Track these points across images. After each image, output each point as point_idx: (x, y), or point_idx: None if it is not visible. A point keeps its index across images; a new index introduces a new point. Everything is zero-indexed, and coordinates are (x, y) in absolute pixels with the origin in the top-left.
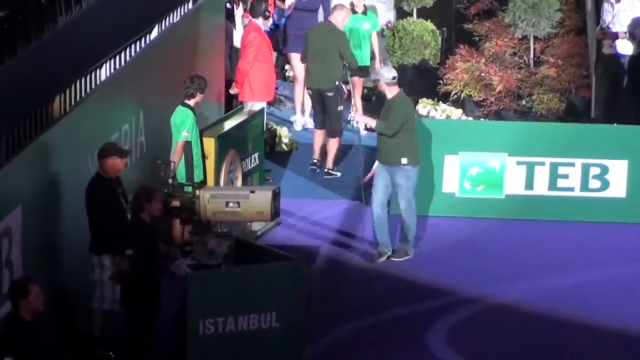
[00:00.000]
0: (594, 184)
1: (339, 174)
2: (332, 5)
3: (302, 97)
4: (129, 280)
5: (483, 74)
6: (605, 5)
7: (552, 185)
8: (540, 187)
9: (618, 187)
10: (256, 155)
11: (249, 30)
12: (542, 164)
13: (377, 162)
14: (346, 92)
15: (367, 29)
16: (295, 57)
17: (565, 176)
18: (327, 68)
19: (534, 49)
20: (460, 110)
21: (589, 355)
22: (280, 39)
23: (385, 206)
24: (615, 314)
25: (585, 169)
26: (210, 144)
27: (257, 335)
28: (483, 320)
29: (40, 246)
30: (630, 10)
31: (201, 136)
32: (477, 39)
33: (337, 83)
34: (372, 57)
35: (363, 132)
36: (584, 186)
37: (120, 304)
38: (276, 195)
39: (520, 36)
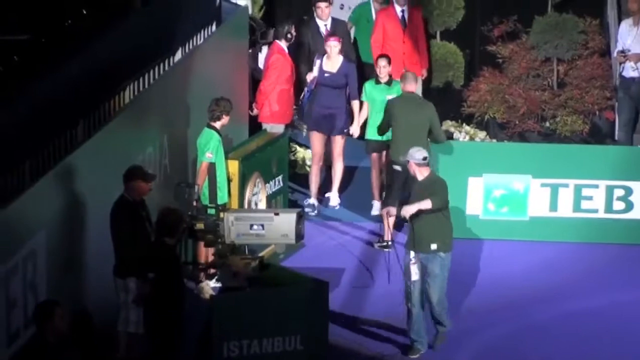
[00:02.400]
0: (618, 205)
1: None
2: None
3: (320, 180)
4: (152, 303)
5: (507, 96)
6: (624, 27)
7: (576, 207)
8: (565, 209)
9: None
10: (280, 177)
11: (272, 52)
12: (566, 185)
13: (412, 253)
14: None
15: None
16: (316, 136)
17: (590, 198)
18: (418, 144)
19: (558, 70)
20: (484, 132)
21: None
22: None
23: (424, 302)
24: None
25: (610, 190)
26: (234, 166)
27: (282, 358)
28: (510, 344)
29: (64, 269)
30: None
31: (225, 158)
32: (500, 60)
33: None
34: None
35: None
36: (608, 208)
37: (144, 327)
38: (300, 218)
39: (543, 58)
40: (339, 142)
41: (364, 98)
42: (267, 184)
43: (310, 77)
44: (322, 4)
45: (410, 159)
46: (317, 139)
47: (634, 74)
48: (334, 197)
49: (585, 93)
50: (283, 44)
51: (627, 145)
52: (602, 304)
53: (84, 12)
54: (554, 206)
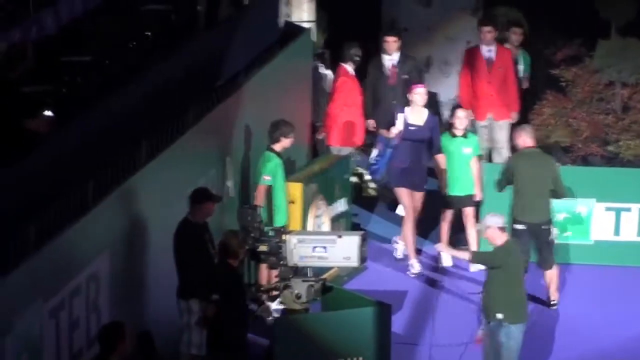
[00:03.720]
0: None
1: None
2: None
3: (414, 237)
4: (215, 325)
5: (570, 120)
6: None
7: None
8: (629, 233)
9: None
10: (343, 200)
11: (338, 74)
12: (630, 210)
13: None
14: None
15: (467, 154)
16: (404, 192)
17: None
18: (543, 201)
19: (622, 94)
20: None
21: None
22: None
23: None
24: None
25: None
26: (296, 188)
27: None
28: None
29: (127, 290)
30: None
31: (288, 180)
32: (564, 84)
33: (552, 217)
34: None
35: None
36: None
37: (207, 349)
38: (364, 240)
39: (607, 82)
40: (420, 199)
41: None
42: (330, 206)
43: (394, 131)
44: (390, 38)
45: (489, 223)
46: (405, 195)
47: None
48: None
49: None
50: (349, 67)
51: None
52: None
53: (148, 34)
54: (617, 230)
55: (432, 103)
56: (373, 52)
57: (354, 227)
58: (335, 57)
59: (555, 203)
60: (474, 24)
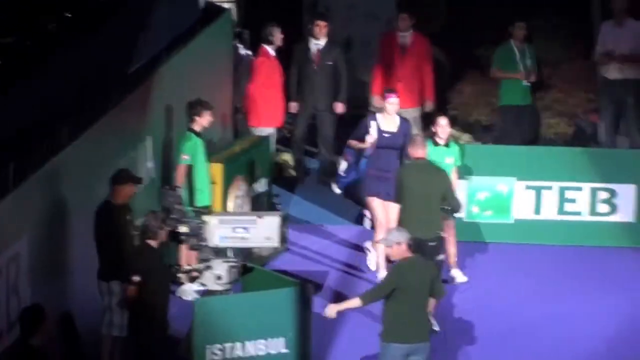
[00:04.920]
0: (603, 208)
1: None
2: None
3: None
4: (136, 306)
5: (492, 99)
6: (606, 28)
7: (560, 210)
8: (549, 212)
9: (626, 211)
10: (264, 180)
11: (258, 55)
12: (550, 188)
13: None
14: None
15: (449, 164)
16: (377, 203)
17: (573, 200)
18: (432, 215)
19: (542, 73)
20: (468, 135)
21: None
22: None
23: None
24: (627, 338)
25: (594, 193)
26: (217, 169)
27: None
28: (492, 343)
29: (48, 272)
30: (633, 32)
31: (209, 161)
32: (486, 63)
33: (441, 232)
34: None
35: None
36: (592, 210)
37: (128, 330)
38: (284, 221)
39: None
40: (394, 209)
41: None
42: (251, 187)
43: (370, 140)
44: (321, 23)
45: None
46: (378, 205)
47: (618, 76)
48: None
49: (569, 96)
50: (269, 47)
51: (611, 148)
52: (587, 306)
53: (68, 15)
54: (538, 209)
55: (357, 85)
56: (295, 33)
57: (275, 208)
58: (256, 38)
59: (475, 181)
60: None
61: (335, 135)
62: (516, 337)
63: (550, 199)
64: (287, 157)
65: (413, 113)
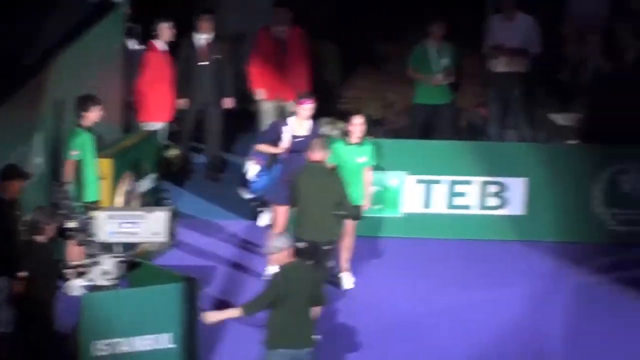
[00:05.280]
0: (493, 201)
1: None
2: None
3: None
4: (23, 302)
5: (385, 93)
6: (495, 22)
7: (450, 204)
8: (439, 206)
9: (517, 205)
10: (152, 175)
11: (147, 50)
12: (440, 182)
13: None
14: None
15: (361, 163)
16: (283, 210)
17: (463, 194)
18: (326, 219)
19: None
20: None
21: None
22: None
23: None
24: (513, 331)
25: (483, 187)
26: (106, 164)
27: (153, 356)
28: (383, 340)
29: None
30: (523, 27)
31: (97, 157)
32: (378, 57)
33: (336, 237)
34: None
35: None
36: (482, 204)
37: (14, 326)
38: (172, 216)
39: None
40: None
41: (331, 160)
42: (140, 182)
43: (283, 145)
44: (205, 17)
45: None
46: (283, 213)
47: (504, 69)
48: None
49: (461, 89)
50: (159, 42)
51: (500, 141)
52: (475, 300)
53: None
54: (428, 202)
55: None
56: (186, 28)
57: (163, 203)
58: (147, 33)
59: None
60: None
61: (223, 130)
62: (408, 332)
63: (440, 192)
64: (176, 153)
65: (290, 108)
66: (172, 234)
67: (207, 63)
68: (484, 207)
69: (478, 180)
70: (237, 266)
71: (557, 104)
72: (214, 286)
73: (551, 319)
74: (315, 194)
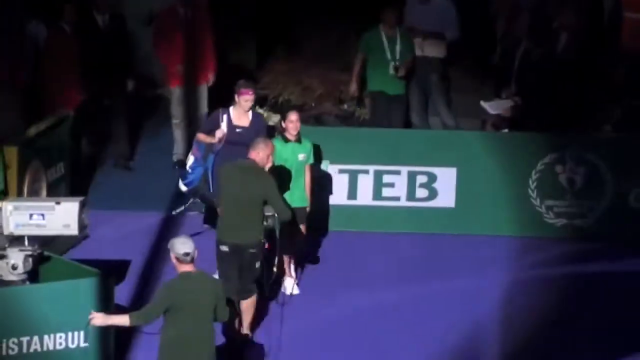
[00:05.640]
0: (422, 193)
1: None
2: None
3: None
4: None
5: (303, 78)
6: (411, 5)
7: (377, 195)
8: (364, 197)
9: (447, 196)
10: (62, 164)
11: (51, 32)
12: (366, 172)
13: None
14: (267, 245)
15: (301, 161)
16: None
17: (391, 185)
18: (251, 220)
19: (356, 49)
20: (278, 116)
21: None
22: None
23: None
24: (440, 326)
25: (412, 177)
26: (12, 153)
27: (64, 356)
28: (309, 331)
29: None
30: (439, 9)
31: (2, 145)
32: (296, 40)
33: (261, 239)
34: None
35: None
36: (411, 195)
37: None
38: (84, 207)
39: (341, 36)
40: None
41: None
42: (48, 171)
43: (219, 134)
44: None
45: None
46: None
47: (419, 53)
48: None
49: None
50: (64, 25)
51: (424, 129)
52: (407, 295)
53: None
54: (353, 194)
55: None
56: (89, 9)
57: (74, 193)
58: (52, 15)
59: None
60: None
61: (130, 116)
62: (341, 330)
63: (366, 183)
64: (85, 140)
65: (201, 90)
66: (84, 226)
67: (109, 43)
68: (412, 199)
69: (406, 170)
70: (154, 260)
71: (489, 90)
72: (130, 282)
73: (480, 318)
74: (237, 193)
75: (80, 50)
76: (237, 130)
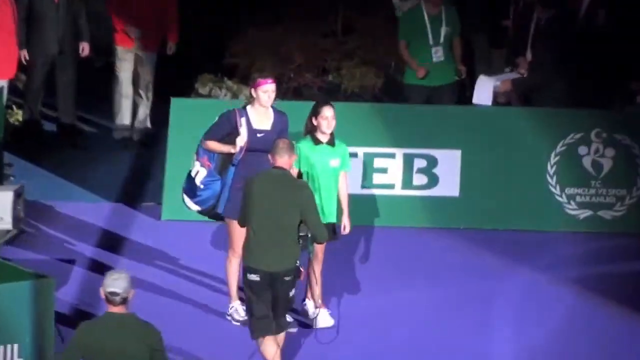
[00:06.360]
0: (420, 179)
1: None
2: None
3: (239, 278)
4: None
5: (280, 46)
6: None
7: (367, 182)
8: (352, 185)
9: (449, 184)
10: None
11: None
12: (354, 155)
13: None
14: (303, 272)
15: (334, 168)
16: (237, 227)
17: (384, 170)
18: (285, 242)
19: (344, 14)
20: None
21: None
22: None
23: None
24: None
25: (409, 161)
26: None
27: None
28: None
29: None
30: None
31: None
32: (273, 3)
33: (297, 263)
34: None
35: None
36: (407, 183)
37: None
38: (19, 197)
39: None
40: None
41: (296, 165)
42: None
43: (240, 143)
44: None
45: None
46: (240, 230)
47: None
48: (323, 315)
49: (378, 42)
50: None
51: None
52: (397, 301)
53: None
54: None
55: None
56: None
57: (7, 181)
58: None
59: None
60: None
61: (79, 85)
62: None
63: (354, 168)
64: (22, 117)
65: (149, 58)
66: (18, 219)
67: (55, 2)
68: (408, 187)
69: (402, 152)
70: (101, 258)
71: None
72: (73, 285)
73: (492, 325)
74: (271, 210)
75: (14, 12)
76: (258, 135)
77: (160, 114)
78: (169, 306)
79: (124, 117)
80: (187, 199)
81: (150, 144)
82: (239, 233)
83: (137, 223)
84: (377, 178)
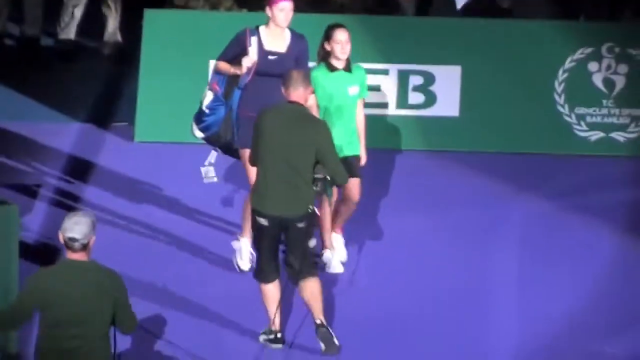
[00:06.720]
0: (416, 98)
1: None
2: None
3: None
4: None
5: None
6: None
7: None
8: None
9: (448, 103)
10: None
11: None
12: None
13: None
14: (319, 217)
15: (352, 96)
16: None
17: (376, 88)
18: (297, 185)
19: None
20: (230, 1)
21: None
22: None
23: None
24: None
25: (404, 78)
26: None
27: None
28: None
29: None
30: None
31: None
32: None
33: (310, 208)
34: None
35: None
36: (402, 102)
37: None
38: None
39: None
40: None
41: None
42: None
43: (247, 63)
44: None
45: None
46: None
47: None
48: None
49: None
50: None
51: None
52: (397, 230)
53: None
54: None
55: None
56: None
57: None
58: None
59: None
60: None
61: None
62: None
63: None
64: None
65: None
66: None
67: None
68: (404, 106)
69: (396, 68)
70: (68, 187)
71: None
72: (38, 215)
73: (494, 259)
74: (283, 148)
75: None
76: (270, 57)
77: (132, 27)
78: (143, 239)
79: (70, 31)
80: (194, 126)
81: (122, 59)
82: (250, 165)
83: (107, 145)
84: (370, 96)
